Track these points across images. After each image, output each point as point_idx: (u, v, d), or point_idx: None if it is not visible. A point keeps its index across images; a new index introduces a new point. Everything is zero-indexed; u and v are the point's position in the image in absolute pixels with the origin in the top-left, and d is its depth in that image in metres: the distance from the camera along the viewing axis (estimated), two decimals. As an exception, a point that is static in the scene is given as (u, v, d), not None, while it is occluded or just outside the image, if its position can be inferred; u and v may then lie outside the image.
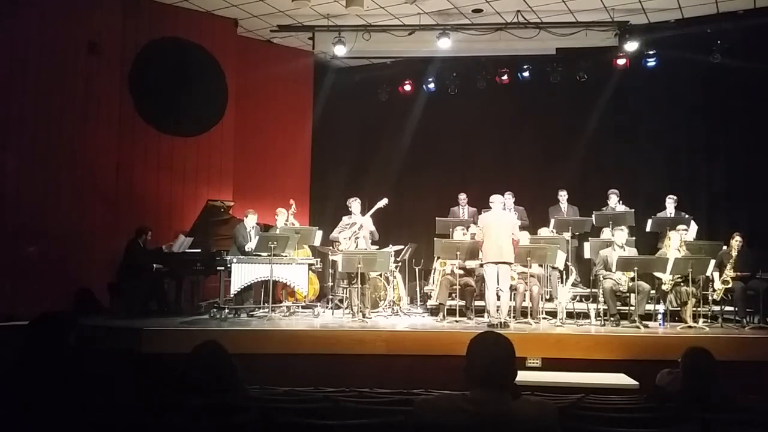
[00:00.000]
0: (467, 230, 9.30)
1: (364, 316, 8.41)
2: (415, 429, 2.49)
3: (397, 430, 2.73)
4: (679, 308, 8.22)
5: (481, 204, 9.93)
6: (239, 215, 9.65)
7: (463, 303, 8.67)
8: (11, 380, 3.11)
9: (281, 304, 9.18)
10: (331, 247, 9.62)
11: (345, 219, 9.27)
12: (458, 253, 8.43)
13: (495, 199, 8.32)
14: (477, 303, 8.69)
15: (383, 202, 9.17)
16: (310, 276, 9.20)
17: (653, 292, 8.32)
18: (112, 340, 7.26)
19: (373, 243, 9.41)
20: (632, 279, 8.03)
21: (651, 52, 11.22)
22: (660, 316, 8.15)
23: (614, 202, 10.21)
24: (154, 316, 8.51)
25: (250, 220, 9.14)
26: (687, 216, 9.67)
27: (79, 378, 3.23)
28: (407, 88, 12.79)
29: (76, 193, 9.52)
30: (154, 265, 8.98)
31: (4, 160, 8.80)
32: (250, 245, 8.84)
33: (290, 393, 4.36)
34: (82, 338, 3.44)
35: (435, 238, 8.89)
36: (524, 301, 8.45)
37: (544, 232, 9.67)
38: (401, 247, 9.86)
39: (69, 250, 9.26)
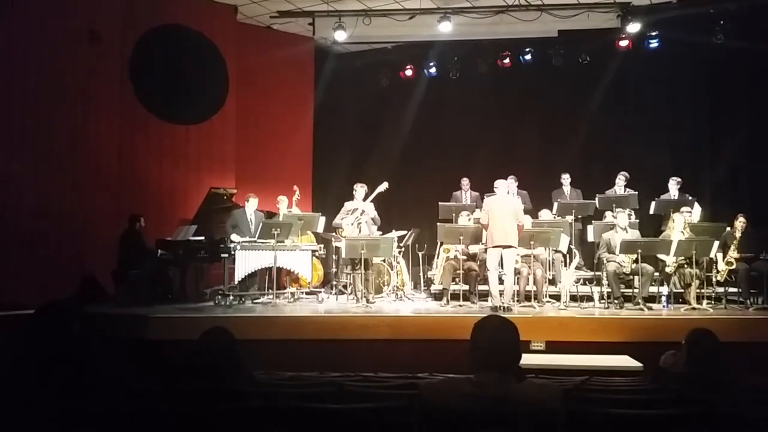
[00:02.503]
0: (471, 215, 9.30)
1: (368, 301, 8.43)
2: (420, 412, 2.50)
3: (402, 413, 2.74)
4: (682, 290, 8.22)
5: (483, 188, 9.92)
6: (242, 203, 9.66)
7: (466, 287, 8.69)
8: (17, 369, 3.13)
9: (285, 291, 9.20)
10: (334, 234, 9.62)
11: (347, 204, 9.26)
12: (461, 238, 8.43)
13: (499, 184, 8.30)
14: (480, 287, 8.70)
15: (383, 186, 9.15)
16: (313, 262, 9.21)
17: (657, 274, 8.31)
18: (117, 328, 7.28)
19: (377, 228, 9.41)
20: (636, 261, 8.03)
21: (653, 34, 11.15)
22: (664, 298, 8.17)
23: (621, 184, 10.15)
24: (159, 304, 8.54)
25: (252, 205, 9.13)
26: (690, 198, 9.66)
27: (85, 366, 3.25)
28: (408, 72, 12.75)
29: (79, 182, 9.53)
30: (159, 252, 9.01)
31: (6, 151, 8.80)
32: (238, 237, 8.73)
33: (295, 378, 4.38)
34: (88, 326, 3.46)
35: (438, 223, 8.89)
36: (528, 284, 8.45)
37: (545, 214, 9.66)
38: (404, 232, 9.87)
39: (73, 239, 9.29)
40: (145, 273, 8.96)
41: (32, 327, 3.23)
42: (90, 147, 9.74)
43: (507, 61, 12.10)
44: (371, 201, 9.20)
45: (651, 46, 11.26)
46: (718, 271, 8.36)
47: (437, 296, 9.14)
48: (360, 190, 9.18)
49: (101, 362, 3.55)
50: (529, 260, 8.42)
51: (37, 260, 8.75)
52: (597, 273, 8.96)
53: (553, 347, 7.02)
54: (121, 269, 9.05)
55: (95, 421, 2.69)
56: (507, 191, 8.58)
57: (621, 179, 10.17)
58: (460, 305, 8.40)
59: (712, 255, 8.18)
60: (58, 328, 3.26)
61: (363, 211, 9.05)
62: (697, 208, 9.55)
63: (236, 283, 8.60)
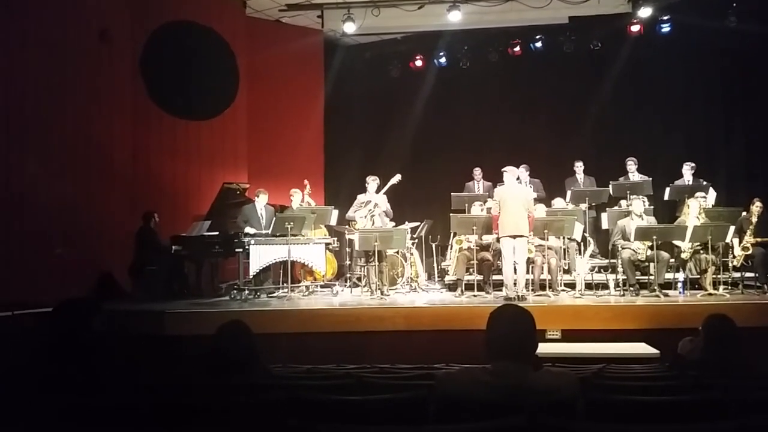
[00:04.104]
0: (484, 205, 9.29)
1: (382, 293, 8.46)
2: (437, 402, 2.51)
3: (419, 403, 2.75)
4: (699, 276, 8.18)
5: (496, 178, 9.85)
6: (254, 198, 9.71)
7: (480, 277, 8.68)
8: (37, 366, 3.17)
9: (300, 284, 9.24)
10: (347, 226, 9.65)
11: (360, 197, 9.29)
12: (474, 228, 8.42)
13: (508, 170, 8.23)
14: (495, 277, 8.69)
15: (396, 179, 9.17)
16: (327, 255, 9.24)
17: (672, 260, 8.28)
18: (134, 324, 7.35)
19: (390, 220, 9.41)
20: (651, 248, 7.99)
21: (665, 18, 11.05)
22: (680, 285, 8.13)
23: (633, 170, 10.11)
24: (175, 299, 8.61)
25: (262, 200, 9.19)
26: (705, 183, 9.59)
27: (105, 362, 3.28)
28: (418, 63, 12.71)
29: (93, 180, 9.57)
30: (174, 248, 9.08)
31: (22, 153, 8.87)
32: (253, 229, 8.85)
33: (312, 371, 4.40)
34: (106, 323, 3.49)
35: (451, 214, 8.88)
36: (542, 273, 8.44)
37: (558, 202, 9.63)
38: (417, 223, 9.87)
39: (89, 237, 9.33)
40: (160, 269, 9.03)
41: (52, 323, 3.27)
42: (103, 145, 9.79)
43: (517, 49, 12.03)
44: (384, 193, 9.21)
45: (663, 30, 11.16)
46: (734, 256, 8.31)
47: (451, 287, 9.15)
48: (372, 183, 9.20)
49: (119, 358, 3.59)
50: (544, 249, 8.41)
51: (55, 259, 8.82)
52: (612, 260, 8.93)
53: (568, 336, 7.01)
54: (137, 266, 9.13)
55: (114, 416, 2.72)
56: (517, 177, 8.55)
57: (631, 164, 10.13)
58: (474, 295, 8.40)
59: (728, 240, 8.11)
60: (76, 325, 3.30)
61: (376, 204, 9.07)
62: (712, 193, 9.48)
63: (251, 277, 8.66)
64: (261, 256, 8.58)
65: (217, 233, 9.10)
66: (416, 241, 9.89)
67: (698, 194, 8.86)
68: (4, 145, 8.51)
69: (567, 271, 9.01)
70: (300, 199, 9.60)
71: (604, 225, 9.36)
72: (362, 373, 3.99)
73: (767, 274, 8.18)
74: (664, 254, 8.04)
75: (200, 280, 9.37)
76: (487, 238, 8.68)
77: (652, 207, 9.23)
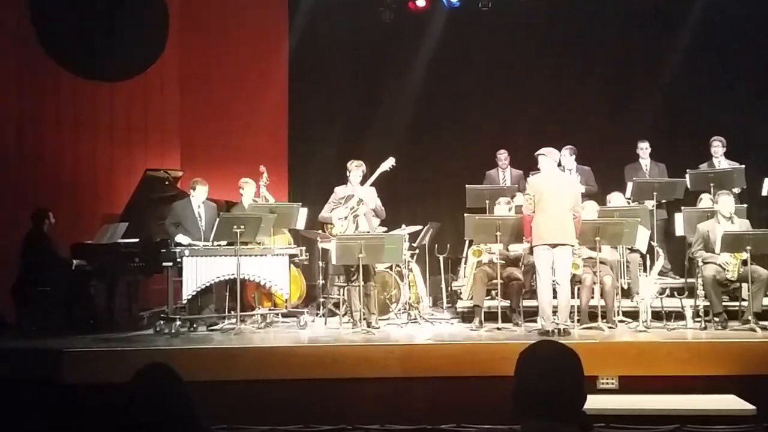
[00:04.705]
0: (512, 202, 9.29)
1: (369, 325, 8.48)
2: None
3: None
4: (810, 302, 8.24)
5: (528, 164, 9.90)
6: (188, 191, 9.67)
7: (506, 303, 8.70)
8: None
9: (254, 312, 9.23)
10: (320, 231, 9.64)
11: (338, 190, 9.28)
12: (499, 234, 8.41)
13: (546, 152, 8.22)
14: (526, 303, 8.72)
15: (389, 163, 9.16)
16: (292, 272, 9.25)
17: (774, 280, 8.32)
18: (20, 367, 7.30)
19: (380, 223, 9.43)
20: (744, 263, 8.02)
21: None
22: (783, 314, 8.18)
23: (719, 155, 10.15)
24: (78, 333, 8.56)
25: (199, 194, 9.16)
26: (818, 173, 9.66)
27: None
28: (420, 2, 12.70)
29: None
30: (75, 262, 9.03)
31: None
32: (186, 239, 8.86)
33: (270, 433, 4.41)
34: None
35: (466, 215, 8.90)
36: (593, 298, 8.46)
37: (617, 199, 9.66)
38: (419, 227, 9.88)
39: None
40: (57, 290, 8.99)
41: None
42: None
43: (558, -16, 12.09)
44: (372, 185, 9.21)
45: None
46: None
47: (466, 316, 9.18)
48: (356, 170, 9.19)
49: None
50: (595, 264, 8.42)
51: None
52: (690, 280, 8.98)
53: (629, 385, 7.04)
54: (23, 285, 9.08)
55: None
56: (558, 163, 8.56)
57: (717, 147, 10.16)
58: (498, 328, 8.41)
59: None
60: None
61: (360, 200, 9.06)
62: (829, 187, 9.56)
63: (185, 302, 8.64)
64: (199, 272, 8.55)
65: (136, 240, 9.09)
66: (417, 252, 9.91)
67: (809, 188, 8.93)
68: None
69: (627, 295, 9.03)
70: (253, 192, 9.59)
71: (679, 230, 9.39)
72: (341, 437, 4.00)
73: None
74: (763, 272, 8.08)
75: (113, 307, 9.34)
76: (516, 248, 8.70)
77: (745, 206, 9.27)
